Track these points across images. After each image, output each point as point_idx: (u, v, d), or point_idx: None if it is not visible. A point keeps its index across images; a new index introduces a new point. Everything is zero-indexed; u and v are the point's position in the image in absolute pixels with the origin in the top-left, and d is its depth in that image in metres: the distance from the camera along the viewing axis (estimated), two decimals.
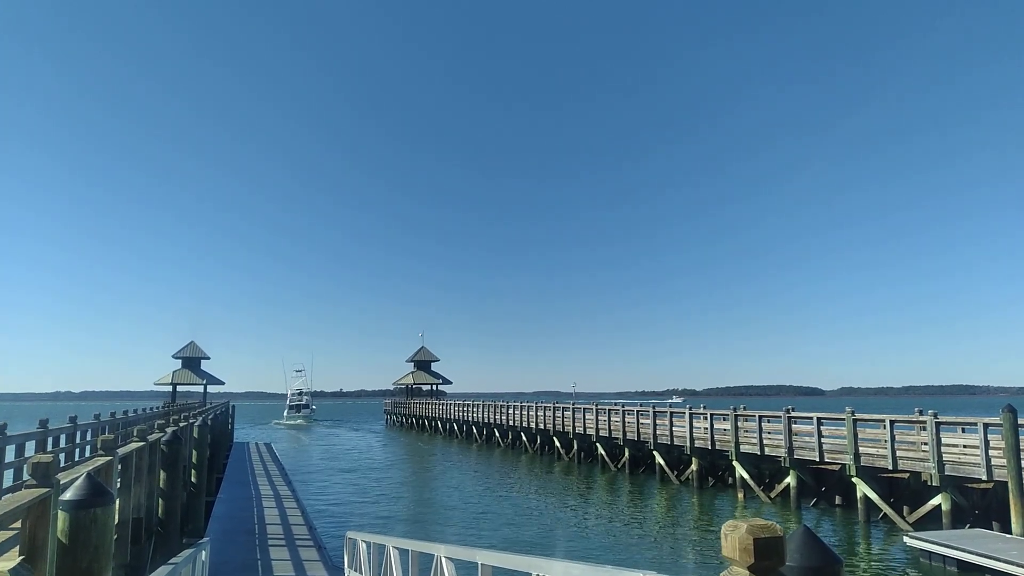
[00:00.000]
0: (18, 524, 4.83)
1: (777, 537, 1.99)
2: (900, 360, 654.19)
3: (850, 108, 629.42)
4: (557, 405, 48.19)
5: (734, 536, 2.01)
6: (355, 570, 11.63)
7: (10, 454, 11.91)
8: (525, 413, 53.06)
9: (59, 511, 4.83)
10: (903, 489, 22.85)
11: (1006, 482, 18.04)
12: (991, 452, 19.25)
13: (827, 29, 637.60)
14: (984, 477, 19.36)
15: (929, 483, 20.94)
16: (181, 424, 21.00)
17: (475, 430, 64.52)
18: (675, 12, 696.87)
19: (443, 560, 6.41)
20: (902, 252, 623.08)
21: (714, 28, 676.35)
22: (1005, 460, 18.27)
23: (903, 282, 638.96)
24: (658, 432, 34.71)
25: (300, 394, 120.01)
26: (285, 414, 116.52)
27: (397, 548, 8.71)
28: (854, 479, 23.30)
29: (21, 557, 4.58)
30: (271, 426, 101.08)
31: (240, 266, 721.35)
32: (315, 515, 22.91)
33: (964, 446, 20.53)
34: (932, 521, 20.81)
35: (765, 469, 28.50)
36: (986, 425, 19.46)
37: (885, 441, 22.41)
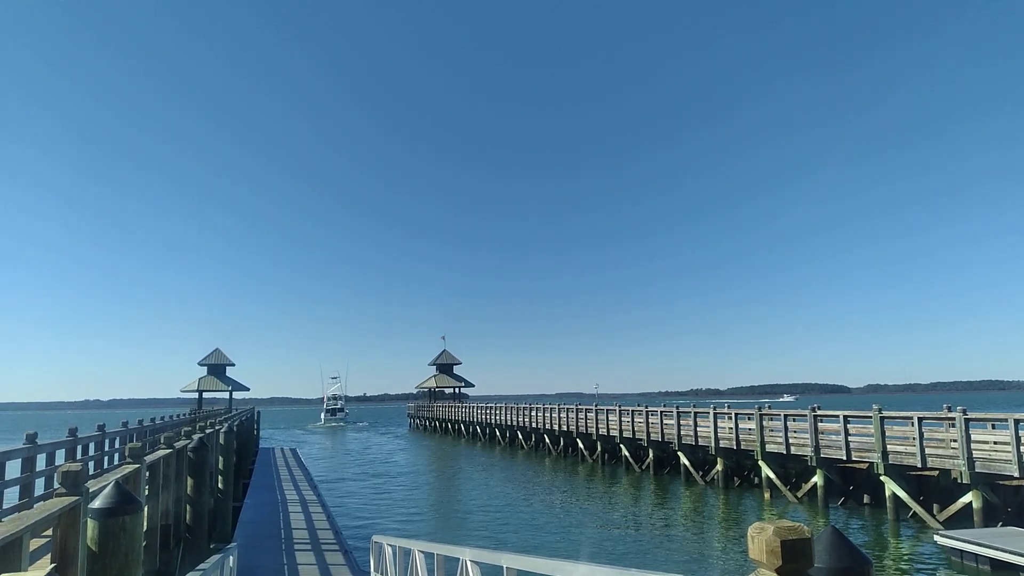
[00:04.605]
0: (49, 532, 4.91)
1: (805, 539, 1.97)
2: (927, 356, 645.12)
3: (869, 103, 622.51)
4: (580, 407, 48.08)
5: (761, 538, 1.99)
6: (381, 574, 11.67)
7: (41, 463, 12.10)
8: (548, 415, 53.01)
9: (89, 519, 4.90)
10: (933, 487, 22.52)
11: None
12: (1022, 448, 18.91)
13: (833, 27, 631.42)
14: (1016, 474, 19.02)
15: (959, 481, 20.61)
16: (207, 431, 21.21)
17: (498, 433, 64.56)
18: (678, 10, 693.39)
19: (468, 563, 6.40)
20: (930, 246, 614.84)
21: (716, 26, 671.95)
22: None
23: (930, 276, 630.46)
24: (682, 433, 34.49)
25: (335, 399, 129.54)
26: (322, 417, 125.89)
27: (422, 552, 8.72)
28: (882, 477, 23.00)
29: (52, 565, 4.65)
30: (297, 431, 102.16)
31: (261, 275, 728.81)
32: (341, 519, 23.03)
33: (995, 442, 20.18)
34: (963, 519, 20.48)
35: (791, 468, 28.22)
36: (1017, 421, 19.13)
37: (913, 438, 22.09)
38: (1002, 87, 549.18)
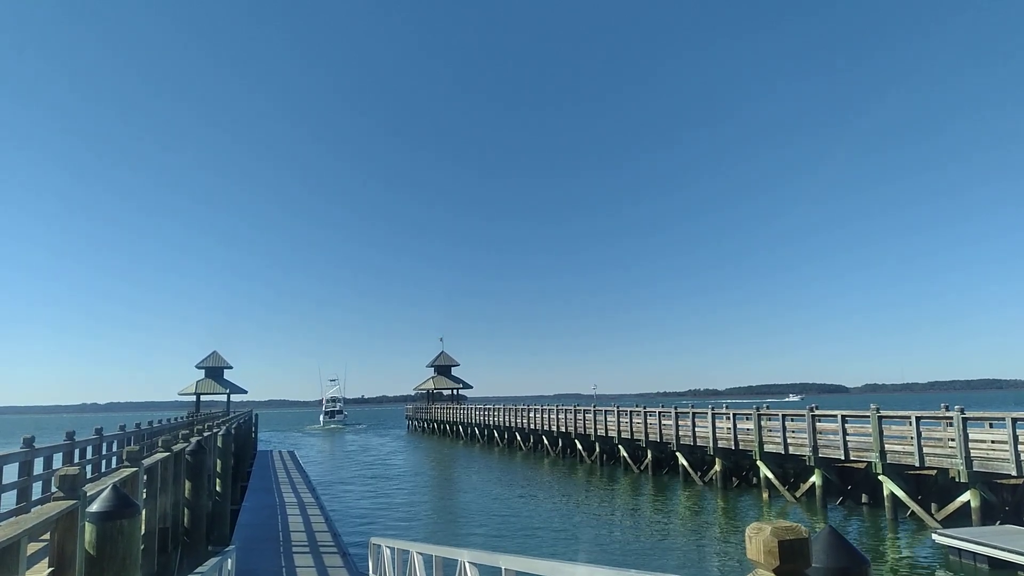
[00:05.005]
0: (47, 536, 4.90)
1: (802, 539, 1.97)
2: (925, 355, 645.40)
3: (866, 103, 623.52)
4: (578, 408, 48.09)
5: (758, 539, 2.00)
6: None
7: (38, 466, 12.07)
8: (546, 416, 53.00)
9: (86, 523, 4.89)
10: (931, 486, 22.55)
11: None
12: (1020, 447, 18.94)
13: (829, 28, 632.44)
14: (1014, 473, 19.04)
15: (957, 480, 20.64)
16: (205, 434, 21.18)
17: (496, 434, 64.53)
18: (676, 10, 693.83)
19: (467, 565, 6.40)
20: (928, 246, 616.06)
21: (716, 27, 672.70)
22: None
23: (928, 276, 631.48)
24: (681, 433, 34.52)
25: (334, 401, 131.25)
26: (321, 419, 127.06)
27: (421, 553, 8.72)
28: (880, 477, 23.02)
29: (50, 569, 4.65)
30: (295, 433, 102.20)
31: (259, 278, 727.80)
32: (339, 521, 23.00)
33: (992, 441, 20.21)
34: (961, 518, 20.51)
35: (790, 468, 28.25)
36: (1015, 420, 19.16)
37: (911, 438, 22.12)
38: (999, 87, 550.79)
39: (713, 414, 31.92)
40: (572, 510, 26.77)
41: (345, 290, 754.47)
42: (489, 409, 68.39)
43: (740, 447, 30.12)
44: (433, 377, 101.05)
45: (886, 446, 22.97)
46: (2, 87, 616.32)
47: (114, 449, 18.67)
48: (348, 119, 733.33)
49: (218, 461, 23.24)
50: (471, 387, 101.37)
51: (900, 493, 22.45)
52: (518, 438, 58.64)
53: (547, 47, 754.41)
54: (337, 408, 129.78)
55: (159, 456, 13.04)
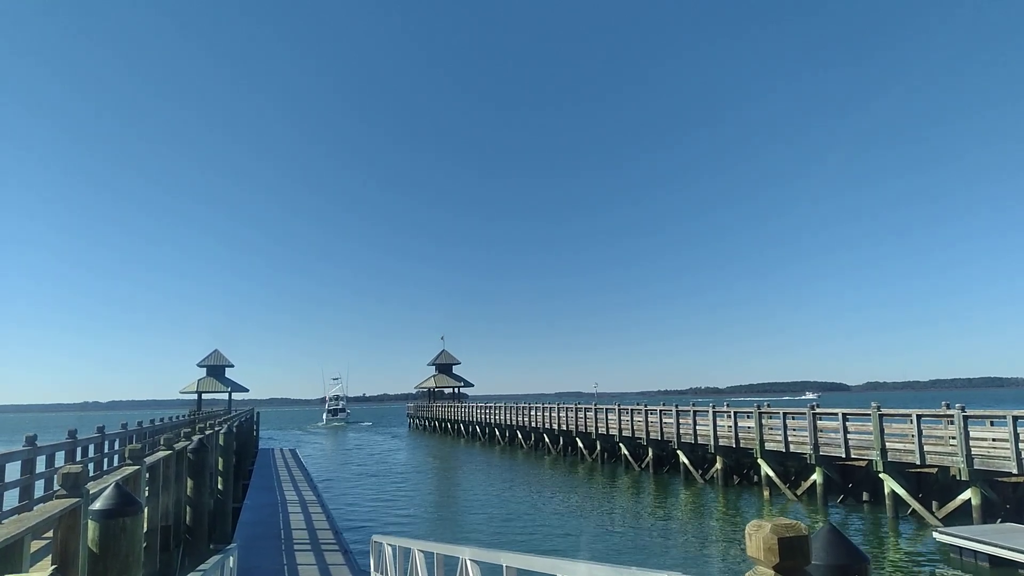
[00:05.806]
0: (50, 534, 4.93)
1: (802, 536, 1.98)
2: (926, 353, 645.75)
3: (866, 101, 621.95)
4: (579, 406, 48.08)
5: (758, 536, 2.01)
6: (381, 573, 11.68)
7: (40, 465, 12.09)
8: (547, 415, 53.02)
9: (89, 521, 4.91)
10: (932, 484, 22.55)
11: None
12: (1021, 445, 18.93)
13: (828, 27, 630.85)
14: (1015, 471, 19.03)
15: (958, 478, 20.63)
16: (207, 432, 21.20)
17: (498, 432, 64.55)
18: (677, 11, 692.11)
19: (468, 562, 6.41)
20: (929, 243, 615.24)
21: (716, 26, 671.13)
22: None
23: (929, 273, 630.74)
24: (682, 431, 34.51)
25: (337, 399, 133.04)
26: (324, 418, 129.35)
27: (422, 551, 8.73)
28: (881, 475, 23.02)
29: (53, 566, 4.67)
30: (297, 431, 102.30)
31: (261, 278, 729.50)
32: (341, 519, 23.03)
33: (993, 439, 20.19)
34: (962, 516, 20.51)
35: (791, 466, 28.24)
36: (1015, 418, 19.14)
37: (912, 436, 22.12)
38: (1000, 84, 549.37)
39: (714, 412, 31.91)
40: (573, 508, 26.79)
41: (345, 290, 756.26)
42: (490, 407, 68.38)
43: (741, 445, 30.12)
44: (434, 375, 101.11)
45: (887, 444, 22.97)
46: (2, 88, 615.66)
47: (116, 447, 18.70)
48: (348, 120, 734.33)
49: (220, 459, 23.28)
50: (472, 385, 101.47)
51: (901, 491, 22.45)
52: (519, 436, 58.66)
53: (547, 47, 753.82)
54: (340, 406, 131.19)
55: (161, 454, 13.07)
